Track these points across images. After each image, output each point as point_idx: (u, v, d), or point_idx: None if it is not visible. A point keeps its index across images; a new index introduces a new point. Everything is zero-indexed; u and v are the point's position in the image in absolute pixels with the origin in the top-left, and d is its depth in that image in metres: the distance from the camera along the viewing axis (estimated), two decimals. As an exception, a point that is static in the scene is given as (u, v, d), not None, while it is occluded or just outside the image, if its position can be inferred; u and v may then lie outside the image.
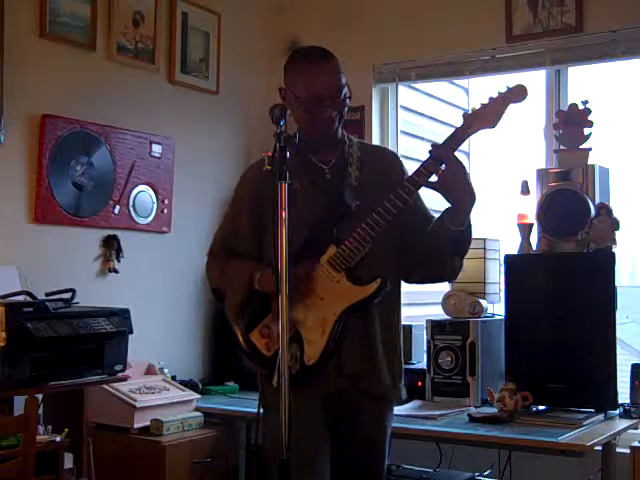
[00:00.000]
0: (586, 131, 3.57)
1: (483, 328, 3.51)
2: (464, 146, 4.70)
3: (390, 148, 2.59)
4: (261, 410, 2.29)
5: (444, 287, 3.80)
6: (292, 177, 2.07)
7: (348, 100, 2.41)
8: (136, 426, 3.38)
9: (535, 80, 4.12)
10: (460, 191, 2.32)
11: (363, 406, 2.38)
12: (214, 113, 4.33)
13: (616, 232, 3.35)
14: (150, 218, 3.95)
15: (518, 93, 2.27)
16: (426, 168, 2.27)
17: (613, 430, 3.08)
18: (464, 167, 2.31)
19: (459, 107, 4.59)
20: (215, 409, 3.66)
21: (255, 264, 2.38)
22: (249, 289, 2.34)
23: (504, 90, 2.27)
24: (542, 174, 3.63)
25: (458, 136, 2.27)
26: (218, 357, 4.15)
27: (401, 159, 2.60)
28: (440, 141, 2.30)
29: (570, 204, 3.45)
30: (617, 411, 3.26)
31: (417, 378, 3.64)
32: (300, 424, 2.19)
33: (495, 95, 2.27)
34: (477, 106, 2.28)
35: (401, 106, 4.42)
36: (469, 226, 2.37)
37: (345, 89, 2.39)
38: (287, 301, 1.97)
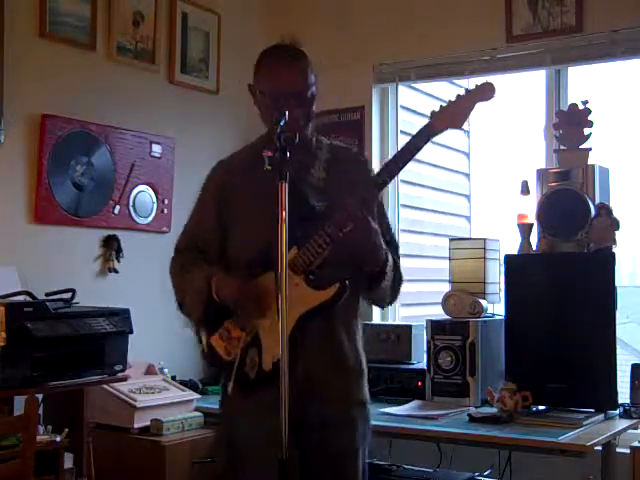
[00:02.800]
0: (586, 131, 3.57)
1: (483, 328, 3.51)
2: (464, 146, 4.73)
3: (360, 151, 2.52)
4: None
5: (444, 287, 3.81)
6: (257, 174, 2.03)
7: (314, 98, 2.36)
8: (136, 426, 3.38)
9: (535, 80, 4.12)
10: (361, 249, 2.22)
11: (326, 412, 2.28)
12: (214, 113, 4.33)
13: (616, 232, 3.35)
14: (150, 218, 3.95)
15: (486, 91, 2.19)
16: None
17: (613, 430, 3.08)
18: (369, 228, 2.20)
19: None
20: (215, 409, 3.63)
21: (208, 272, 2.32)
22: (208, 299, 2.30)
23: (472, 88, 2.21)
24: (542, 174, 3.62)
25: (423, 136, 2.21)
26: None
27: (371, 164, 2.52)
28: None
29: (570, 204, 3.45)
30: (617, 411, 3.26)
31: (417, 378, 3.64)
32: (260, 428, 2.18)
33: (462, 93, 2.21)
34: (444, 104, 2.21)
35: (401, 106, 4.42)
36: (383, 270, 2.27)
37: (313, 88, 2.35)
38: (286, 302, 1.96)
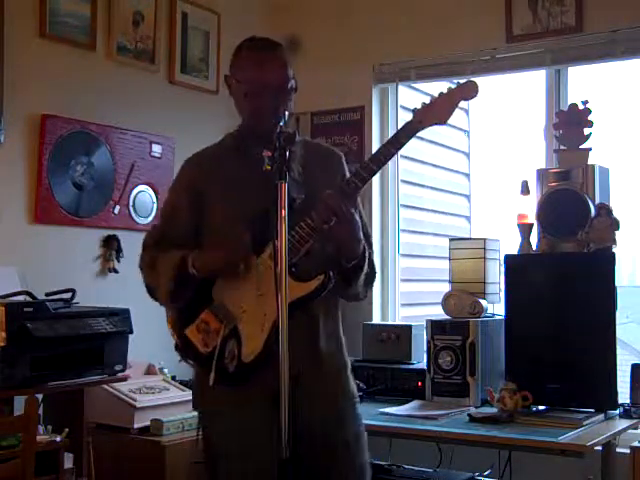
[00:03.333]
0: (586, 131, 3.57)
1: (483, 328, 3.50)
2: (464, 146, 4.73)
3: (336, 149, 2.55)
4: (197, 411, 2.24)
5: (444, 287, 3.81)
6: (230, 169, 2.02)
7: (294, 92, 2.35)
8: (136, 426, 3.38)
9: (535, 80, 4.12)
10: (342, 243, 2.23)
11: (309, 404, 2.26)
12: (214, 113, 4.32)
13: (616, 232, 3.35)
14: (150, 218, 3.95)
15: (469, 89, 2.25)
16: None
17: (613, 430, 3.08)
18: (352, 222, 2.21)
19: (459, 107, 4.59)
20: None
21: (186, 250, 2.27)
22: (180, 273, 2.24)
23: (454, 86, 2.26)
24: (542, 174, 3.62)
25: (407, 131, 2.23)
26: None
27: (344, 159, 2.50)
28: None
29: (570, 204, 3.45)
30: (617, 411, 3.25)
31: (417, 378, 3.64)
32: (243, 422, 2.19)
33: (445, 91, 2.25)
34: (427, 101, 2.25)
35: (401, 106, 4.42)
36: (357, 266, 2.27)
37: (292, 81, 2.34)
38: (286, 301, 1.95)
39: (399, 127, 2.30)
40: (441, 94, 2.24)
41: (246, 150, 2.36)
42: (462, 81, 2.28)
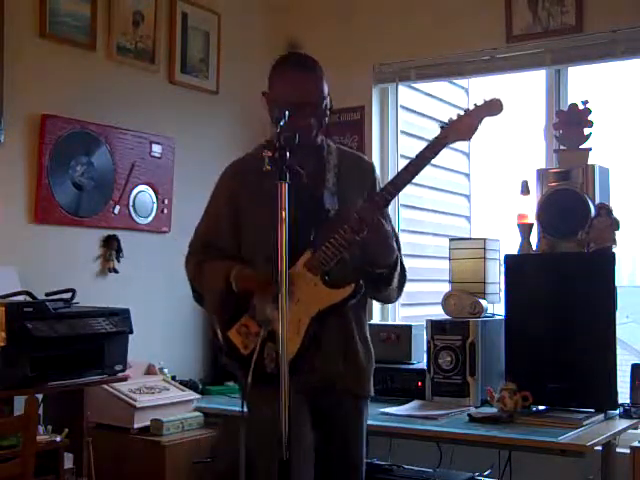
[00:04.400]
0: (586, 131, 3.57)
1: (483, 328, 3.51)
2: (464, 146, 4.72)
3: (368, 158, 2.68)
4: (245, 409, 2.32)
5: (444, 287, 3.81)
6: (264, 178, 2.09)
7: (329, 111, 2.47)
8: (136, 426, 3.38)
9: (535, 80, 4.12)
10: (376, 252, 2.38)
11: (340, 403, 2.46)
12: (214, 113, 4.33)
13: (616, 232, 3.35)
14: (150, 218, 3.95)
15: (494, 107, 2.34)
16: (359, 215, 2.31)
17: (613, 430, 3.08)
18: (384, 232, 2.35)
19: (459, 107, 4.59)
20: (215, 409, 3.66)
21: (230, 263, 2.43)
22: (227, 289, 2.39)
23: (481, 103, 2.34)
24: (542, 174, 3.63)
25: (435, 147, 2.32)
26: (218, 357, 4.13)
27: (377, 171, 2.65)
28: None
29: (570, 204, 3.45)
30: (617, 411, 3.25)
31: (417, 378, 3.64)
32: (277, 421, 2.23)
33: (472, 107, 2.34)
34: (454, 117, 2.34)
35: (401, 106, 4.42)
36: (390, 272, 2.43)
37: (327, 100, 2.46)
38: (287, 301, 1.97)
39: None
40: (467, 111, 2.34)
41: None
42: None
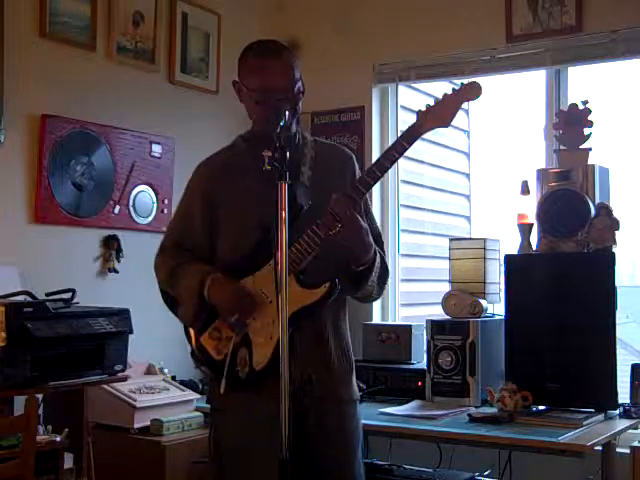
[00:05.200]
0: (586, 131, 3.57)
1: (483, 328, 3.50)
2: (464, 146, 4.72)
3: (346, 148, 2.56)
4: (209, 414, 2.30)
5: (444, 287, 3.81)
6: (244, 174, 2.04)
7: (301, 95, 2.36)
8: (136, 426, 3.38)
9: (535, 80, 4.12)
10: (352, 248, 2.24)
11: (318, 408, 2.31)
12: (214, 113, 4.32)
13: (616, 232, 3.35)
14: (150, 218, 3.95)
15: (472, 90, 2.23)
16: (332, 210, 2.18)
17: (613, 430, 3.08)
18: (358, 227, 2.21)
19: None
20: (215, 409, 3.65)
21: (204, 271, 2.32)
22: (200, 299, 2.31)
23: (458, 87, 2.24)
24: (542, 174, 3.62)
25: (411, 134, 2.22)
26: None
27: (355, 160, 2.50)
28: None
29: (570, 204, 3.45)
30: (617, 411, 3.25)
31: (417, 378, 3.64)
32: (255, 428, 2.22)
33: (449, 92, 2.23)
34: (431, 103, 2.24)
35: (401, 106, 4.42)
36: (368, 268, 2.28)
37: (299, 83, 2.34)
38: (286, 302, 1.96)
39: (400, 128, 2.30)
40: (445, 95, 2.23)
41: (257, 154, 2.35)
42: (465, 81, 2.27)
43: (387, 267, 2.41)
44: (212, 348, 2.32)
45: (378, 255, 2.32)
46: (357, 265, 2.25)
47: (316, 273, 2.24)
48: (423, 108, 2.23)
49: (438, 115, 2.22)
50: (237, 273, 2.31)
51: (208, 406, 3.61)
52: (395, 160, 2.23)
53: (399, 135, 2.26)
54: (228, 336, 2.29)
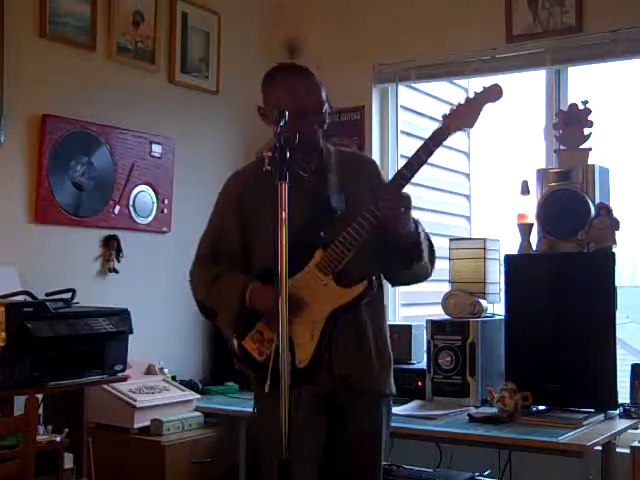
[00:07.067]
0: (586, 131, 3.57)
1: (483, 328, 3.51)
2: (464, 146, 4.72)
3: (368, 154, 2.68)
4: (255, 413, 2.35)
5: (444, 287, 3.81)
6: (270, 187, 2.09)
7: (328, 114, 2.48)
8: (136, 426, 3.38)
9: (535, 80, 4.12)
10: (395, 223, 2.34)
11: (357, 404, 2.43)
12: (214, 113, 4.33)
13: (616, 232, 3.35)
14: (150, 218, 3.95)
15: (494, 93, 2.33)
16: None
17: (613, 430, 3.08)
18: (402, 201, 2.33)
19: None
20: (215, 409, 3.66)
21: (244, 280, 2.41)
22: (241, 304, 2.38)
23: (480, 90, 2.33)
24: (542, 174, 3.62)
25: (437, 137, 2.32)
26: (218, 357, 4.14)
27: (377, 164, 2.66)
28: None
29: (570, 204, 3.45)
30: (617, 411, 3.25)
31: (417, 378, 3.64)
32: (296, 425, 2.20)
33: (472, 95, 2.33)
34: (454, 107, 2.33)
35: (401, 106, 4.42)
36: (417, 241, 2.40)
37: (326, 104, 2.46)
38: (286, 303, 1.97)
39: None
40: (467, 99, 2.33)
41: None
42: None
43: (432, 243, 2.50)
44: (254, 350, 2.39)
45: (421, 229, 2.42)
46: (402, 238, 2.34)
47: (353, 273, 2.34)
48: (447, 112, 2.33)
49: (462, 117, 2.32)
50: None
51: (208, 406, 3.67)
52: (423, 163, 2.33)
53: (426, 139, 2.34)
54: (269, 338, 2.35)
